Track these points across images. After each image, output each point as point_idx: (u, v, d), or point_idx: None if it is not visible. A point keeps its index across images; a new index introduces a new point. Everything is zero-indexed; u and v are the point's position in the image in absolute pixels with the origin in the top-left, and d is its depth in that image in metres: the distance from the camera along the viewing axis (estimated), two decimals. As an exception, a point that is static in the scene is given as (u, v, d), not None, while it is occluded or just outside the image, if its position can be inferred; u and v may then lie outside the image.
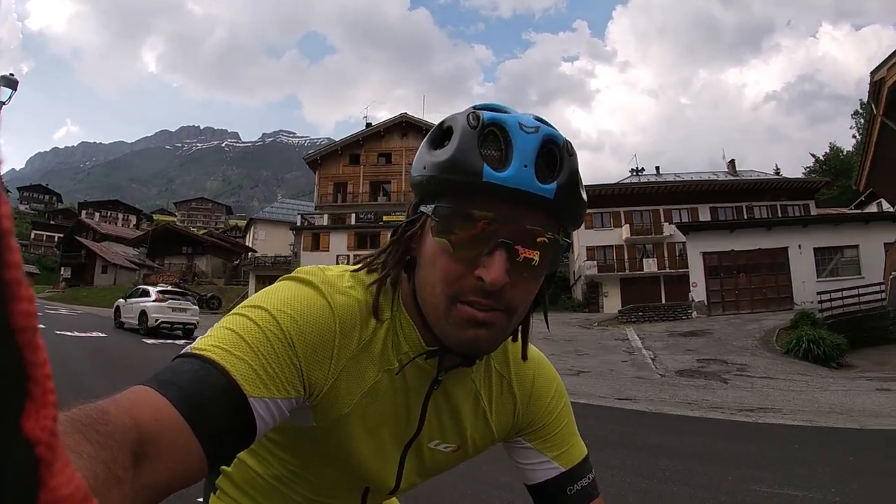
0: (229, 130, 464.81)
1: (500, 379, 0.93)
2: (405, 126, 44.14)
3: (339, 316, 0.76)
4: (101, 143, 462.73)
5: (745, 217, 35.81)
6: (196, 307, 19.21)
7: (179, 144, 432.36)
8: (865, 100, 16.20)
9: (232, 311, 0.75)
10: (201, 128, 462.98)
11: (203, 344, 0.67)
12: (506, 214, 0.71)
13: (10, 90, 11.95)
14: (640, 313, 26.11)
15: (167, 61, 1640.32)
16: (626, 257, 38.43)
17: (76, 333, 15.70)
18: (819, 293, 20.96)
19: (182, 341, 15.60)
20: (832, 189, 47.48)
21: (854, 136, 53.75)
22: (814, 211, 35.93)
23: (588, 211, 0.73)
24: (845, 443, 6.42)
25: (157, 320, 17.14)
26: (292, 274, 0.82)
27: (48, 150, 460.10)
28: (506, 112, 0.75)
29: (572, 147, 0.75)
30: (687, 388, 10.99)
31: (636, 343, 18.17)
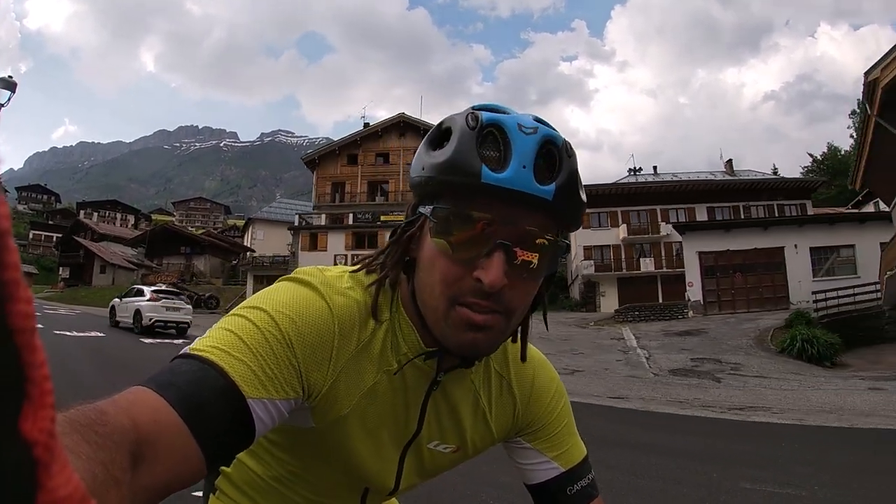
0: (228, 130, 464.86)
1: (500, 379, 0.93)
2: (403, 126, 44.20)
3: (337, 317, 0.76)
4: (99, 143, 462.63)
5: (743, 217, 35.88)
6: (189, 306, 19.68)
7: (178, 144, 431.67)
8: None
9: (230, 313, 0.75)
10: (200, 127, 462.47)
11: (201, 345, 0.67)
12: (504, 216, 0.71)
13: (9, 92, 12.00)
14: (637, 313, 26.24)
15: (165, 61, 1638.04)
16: (623, 257, 38.48)
17: (75, 333, 15.78)
18: (814, 293, 21.02)
19: (180, 341, 15.72)
20: (830, 189, 47.54)
21: (852, 136, 53.75)
22: (811, 211, 36.04)
23: (585, 210, 0.81)
24: (833, 441, 6.48)
25: (151, 319, 17.54)
26: (291, 275, 0.82)
27: (46, 149, 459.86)
28: (505, 112, 0.75)
29: (571, 148, 0.75)
30: (679, 386, 11.06)
31: (631, 342, 18.25)
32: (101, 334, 16.38)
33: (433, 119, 54.67)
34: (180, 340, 15.78)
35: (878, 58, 15.00)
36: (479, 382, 0.91)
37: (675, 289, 31.66)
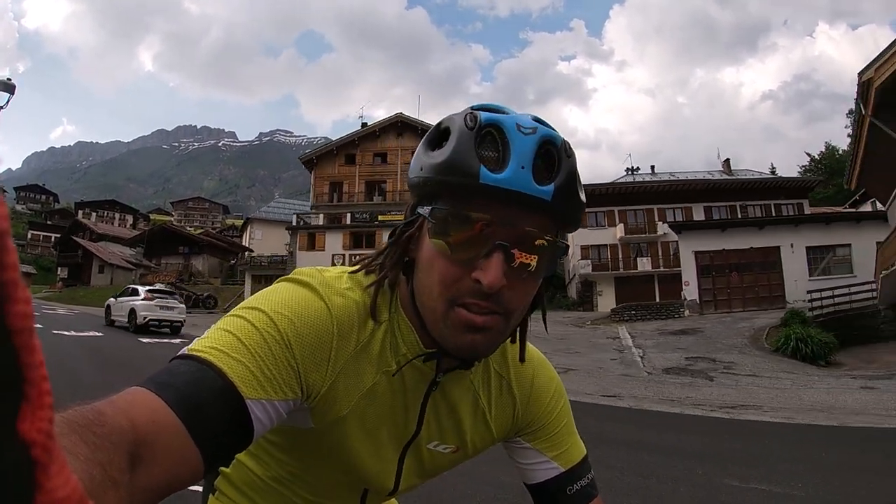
0: (226, 130, 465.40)
1: (500, 379, 0.93)
2: (401, 126, 44.19)
3: (336, 317, 0.76)
4: (97, 143, 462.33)
5: (740, 216, 35.91)
6: (183, 305, 20.01)
7: (176, 144, 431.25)
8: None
9: (229, 313, 0.75)
10: (198, 127, 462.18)
11: (200, 345, 0.67)
12: (503, 216, 0.70)
13: (8, 94, 12.05)
14: (633, 312, 26.32)
15: (164, 60, 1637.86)
16: (620, 256, 38.46)
17: (73, 333, 15.85)
18: (809, 292, 21.07)
19: (177, 340, 15.84)
20: (827, 188, 47.61)
21: (849, 136, 53.49)
22: (808, 210, 36.03)
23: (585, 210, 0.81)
24: (822, 439, 6.49)
25: (145, 318, 17.92)
26: (290, 275, 0.82)
27: (44, 149, 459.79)
28: (504, 113, 0.75)
29: (571, 148, 0.75)
30: (672, 385, 11.11)
31: (627, 341, 18.31)
32: (100, 334, 16.48)
33: (431, 119, 54.69)
34: (178, 340, 15.89)
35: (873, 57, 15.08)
36: (479, 383, 0.91)
37: (671, 288, 31.72)
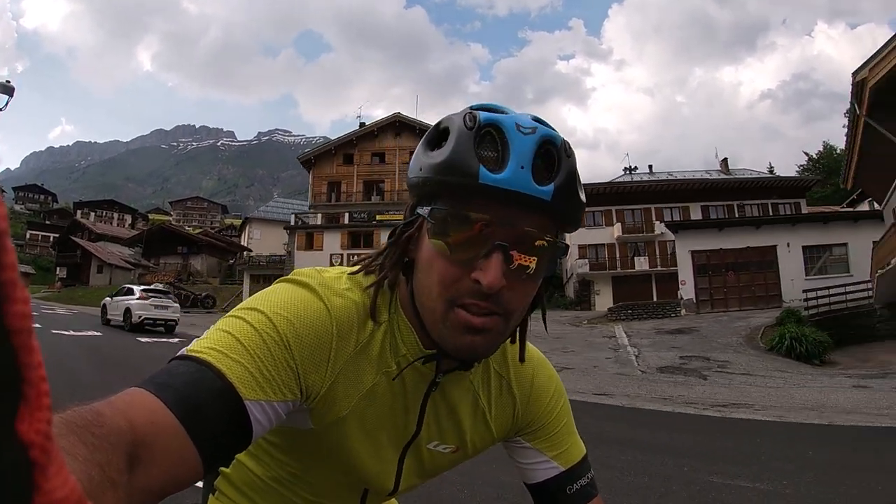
0: (225, 129, 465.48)
1: (500, 379, 0.93)
2: (398, 126, 44.25)
3: (336, 318, 0.76)
4: (96, 143, 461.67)
5: (737, 215, 35.93)
6: (177, 305, 20.32)
7: (175, 143, 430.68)
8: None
9: (228, 314, 0.74)
10: (197, 127, 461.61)
11: (199, 346, 0.67)
12: (502, 216, 0.70)
13: (7, 97, 12.09)
14: (630, 311, 26.36)
15: (162, 60, 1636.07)
16: (617, 255, 38.47)
17: (72, 332, 15.90)
18: (805, 291, 21.11)
19: (175, 340, 15.92)
20: (825, 187, 47.62)
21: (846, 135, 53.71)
22: (805, 209, 36.03)
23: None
24: (812, 438, 6.50)
25: (140, 317, 18.25)
26: (289, 276, 0.82)
27: (43, 149, 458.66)
28: (503, 112, 0.75)
29: (570, 147, 0.74)
30: (665, 384, 11.15)
31: (623, 340, 18.34)
32: (98, 333, 16.57)
33: (430, 119, 54.74)
34: (176, 339, 15.98)
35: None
36: (479, 383, 0.91)
37: (669, 287, 31.70)
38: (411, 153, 0.81)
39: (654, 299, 33.16)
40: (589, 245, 38.02)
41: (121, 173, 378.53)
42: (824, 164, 55.16)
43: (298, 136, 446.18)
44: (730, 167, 44.80)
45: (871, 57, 14.88)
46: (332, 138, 49.35)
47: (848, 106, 17.32)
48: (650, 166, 46.69)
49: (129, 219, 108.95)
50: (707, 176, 41.56)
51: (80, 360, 10.40)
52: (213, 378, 0.63)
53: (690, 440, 6.44)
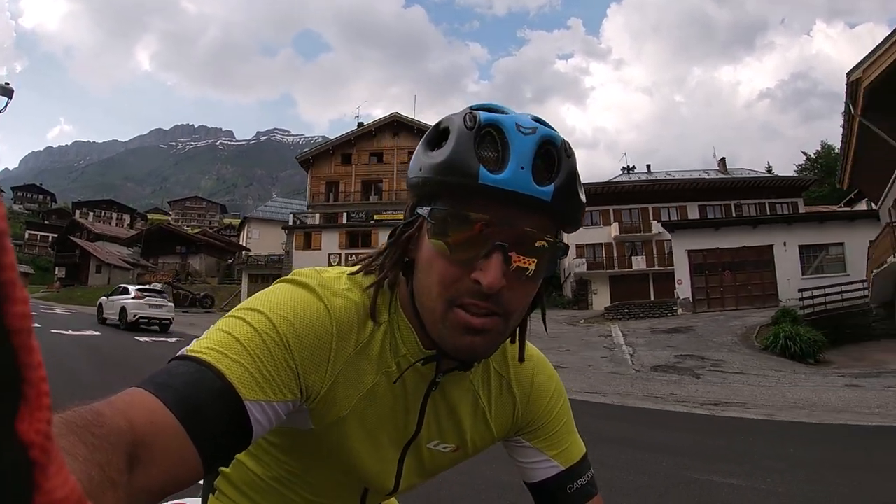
0: (223, 129, 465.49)
1: (500, 379, 0.93)
2: (396, 125, 44.26)
3: (336, 318, 0.76)
4: (94, 142, 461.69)
5: (734, 215, 35.95)
6: (171, 304, 20.79)
7: (174, 143, 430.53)
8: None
9: (228, 314, 0.74)
10: (195, 126, 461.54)
11: (199, 346, 0.67)
12: (502, 217, 0.70)
13: (6, 98, 12.12)
14: (626, 310, 26.39)
15: (161, 60, 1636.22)
16: (615, 255, 38.58)
17: (71, 332, 15.97)
18: (801, 290, 21.11)
19: (174, 339, 15.99)
20: (823, 187, 47.63)
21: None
22: (802, 209, 36.08)
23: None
24: (802, 436, 6.53)
25: (135, 316, 18.65)
26: (288, 276, 0.82)
27: (42, 149, 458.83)
28: (503, 112, 0.74)
29: (571, 148, 0.74)
30: (658, 382, 11.21)
31: (618, 339, 18.38)
32: (97, 333, 16.68)
33: (428, 118, 54.73)
34: (174, 339, 16.04)
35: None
36: (479, 382, 0.91)
37: (666, 286, 31.71)
38: (409, 153, 0.86)
39: (652, 298, 33.22)
40: (586, 244, 38.07)
41: (119, 173, 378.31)
42: (822, 164, 55.11)
43: (297, 135, 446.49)
44: (728, 167, 44.87)
45: (866, 57, 14.91)
46: (331, 138, 49.36)
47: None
48: (648, 166, 46.85)
49: (127, 218, 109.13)
50: (704, 175, 41.64)
51: (80, 359, 10.43)
52: (213, 378, 0.63)
53: (682, 438, 6.46)
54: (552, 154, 0.72)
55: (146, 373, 0.62)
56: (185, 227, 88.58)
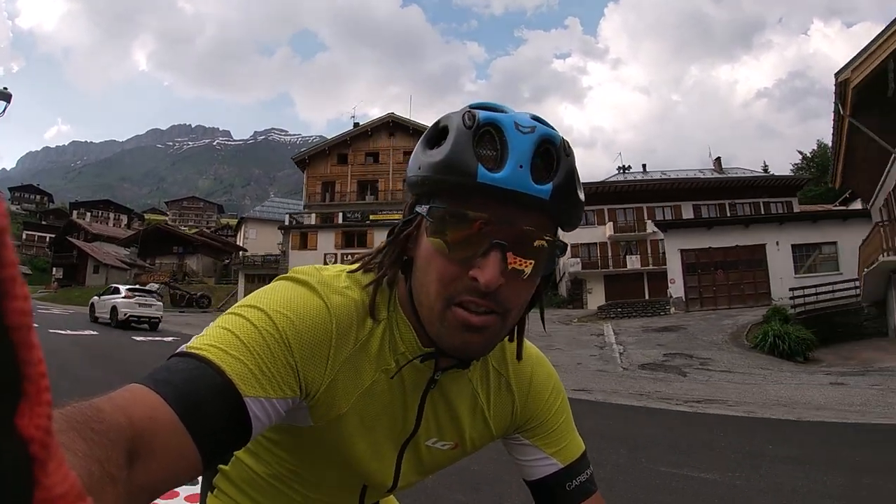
0: (221, 129, 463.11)
1: (498, 377, 0.93)
2: (392, 126, 44.30)
3: (335, 316, 0.76)
4: (92, 143, 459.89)
5: (729, 214, 36.02)
6: (160, 303, 21.32)
7: (171, 143, 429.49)
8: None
9: (228, 311, 0.75)
10: (193, 126, 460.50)
11: (199, 343, 0.67)
12: (501, 215, 0.70)
13: (5, 103, 12.22)
14: (619, 309, 26.49)
15: (158, 59, 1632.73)
16: (609, 254, 38.72)
17: (69, 332, 16.11)
18: (792, 289, 21.25)
19: (170, 338, 16.12)
20: (819, 186, 47.76)
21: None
22: (797, 208, 36.21)
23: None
24: (775, 432, 6.62)
25: (125, 314, 19.28)
26: (288, 274, 0.82)
27: (39, 149, 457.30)
28: (502, 111, 0.75)
29: (570, 147, 0.74)
30: (645, 380, 11.30)
31: (610, 338, 18.46)
32: (95, 332, 16.84)
33: (424, 118, 54.82)
34: (171, 338, 16.18)
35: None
36: (477, 380, 0.91)
37: (661, 286, 31.82)
38: (405, 153, 0.94)
39: (647, 298, 33.34)
40: (581, 244, 38.18)
41: (117, 173, 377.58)
42: (818, 163, 55.22)
43: (294, 135, 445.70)
44: (725, 166, 44.96)
45: (854, 58, 15.02)
46: (329, 137, 49.41)
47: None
48: (643, 165, 46.79)
49: (125, 219, 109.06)
50: (699, 175, 41.74)
51: (79, 358, 10.52)
52: (212, 375, 0.63)
53: (662, 434, 6.54)
54: (551, 153, 0.73)
55: (145, 371, 0.63)
56: (183, 228, 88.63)
